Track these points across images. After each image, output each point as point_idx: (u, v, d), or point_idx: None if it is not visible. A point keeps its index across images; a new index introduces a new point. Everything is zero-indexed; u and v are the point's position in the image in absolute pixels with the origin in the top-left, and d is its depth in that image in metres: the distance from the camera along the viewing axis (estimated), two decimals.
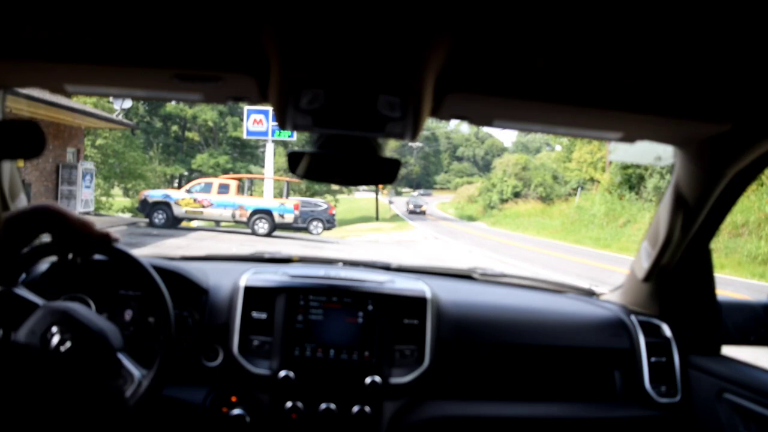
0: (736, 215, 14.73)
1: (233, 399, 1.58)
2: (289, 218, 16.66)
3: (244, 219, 16.64)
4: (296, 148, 1.24)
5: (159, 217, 16.47)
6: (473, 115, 1.22)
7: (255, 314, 1.64)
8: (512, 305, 1.85)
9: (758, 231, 14.55)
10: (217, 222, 17.51)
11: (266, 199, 18.09)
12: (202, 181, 18.22)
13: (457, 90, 1.04)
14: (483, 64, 0.99)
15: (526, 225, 27.76)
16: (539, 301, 1.94)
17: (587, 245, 19.41)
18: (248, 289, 1.65)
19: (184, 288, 1.64)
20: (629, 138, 1.32)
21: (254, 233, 16.29)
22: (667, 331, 1.77)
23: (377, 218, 32.89)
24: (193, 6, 0.84)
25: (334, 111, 1.05)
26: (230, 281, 1.69)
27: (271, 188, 20.26)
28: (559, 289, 2.09)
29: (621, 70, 0.99)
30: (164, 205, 16.60)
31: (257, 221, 16.56)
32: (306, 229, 18.56)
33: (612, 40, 0.87)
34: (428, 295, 1.70)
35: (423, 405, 1.64)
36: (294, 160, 1.19)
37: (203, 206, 16.65)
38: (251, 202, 17.03)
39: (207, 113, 34.71)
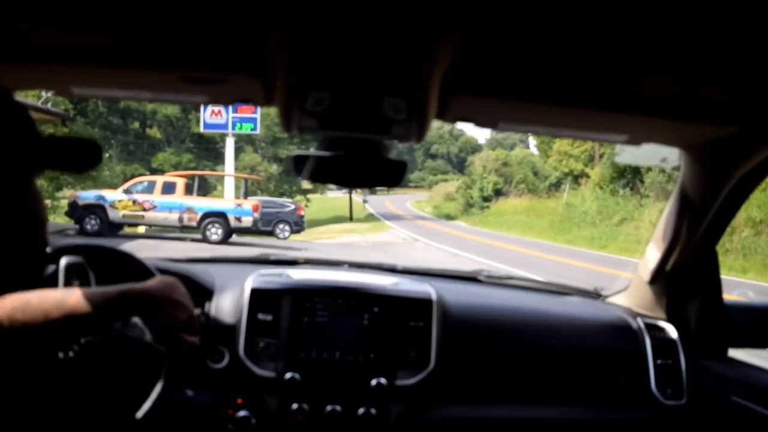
0: (752, 210, 13.43)
1: (239, 401, 1.60)
2: (247, 221, 14.71)
3: (194, 223, 14.60)
4: (299, 150, 1.23)
5: (91, 223, 14.18)
6: (479, 118, 1.26)
7: (261, 316, 1.65)
8: (518, 307, 1.87)
9: None
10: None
11: (219, 200, 16.18)
12: (144, 179, 16.12)
13: (463, 92, 1.07)
14: (489, 66, 1.02)
15: (510, 224, 26.42)
16: (545, 303, 1.98)
17: (581, 246, 18.15)
18: (254, 291, 1.66)
19: (190, 290, 1.50)
20: (635, 141, 1.35)
21: (205, 240, 14.33)
22: (673, 333, 1.79)
23: (351, 218, 32.21)
24: (200, 10, 0.85)
25: (339, 113, 1.07)
26: (236, 283, 1.70)
27: (232, 187, 18.62)
28: (564, 291, 2.12)
29: (627, 73, 1.03)
30: (97, 209, 14.26)
31: (209, 226, 14.54)
32: (271, 233, 17.02)
33: (618, 43, 0.89)
34: (434, 297, 1.71)
35: (429, 407, 1.67)
36: (299, 163, 1.19)
37: (144, 209, 14.47)
38: (202, 204, 14.95)
39: (168, 108, 33.56)
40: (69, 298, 0.98)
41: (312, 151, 1.19)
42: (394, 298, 1.69)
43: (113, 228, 14.50)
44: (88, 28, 0.92)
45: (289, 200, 21.60)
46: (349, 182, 1.32)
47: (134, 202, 14.45)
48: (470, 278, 2.11)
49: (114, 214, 14.32)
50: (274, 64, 0.94)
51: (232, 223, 14.64)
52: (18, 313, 0.92)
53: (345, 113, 1.06)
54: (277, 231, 17.27)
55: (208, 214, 14.65)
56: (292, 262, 2.04)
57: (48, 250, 1.20)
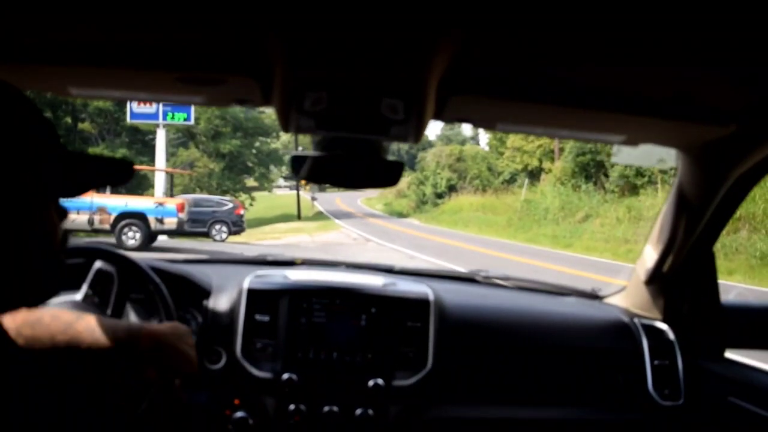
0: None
1: (236, 402, 1.60)
2: (170, 223, 12.95)
3: (107, 226, 12.71)
4: (300, 150, 1.26)
5: None
6: (476, 118, 1.26)
7: (258, 317, 1.65)
8: (515, 308, 1.88)
9: None
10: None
11: (138, 199, 14.23)
12: None
13: (461, 93, 1.07)
14: (487, 67, 1.02)
15: (466, 221, 25.39)
16: (542, 303, 1.99)
17: (544, 245, 17.14)
18: (251, 292, 1.67)
19: (188, 290, 1.66)
20: (632, 141, 1.36)
21: (121, 246, 12.40)
22: (670, 334, 1.79)
23: (299, 217, 30.77)
24: (199, 10, 0.85)
25: (337, 113, 1.07)
26: (233, 284, 1.71)
27: (162, 183, 16.76)
28: (562, 291, 2.12)
29: (625, 73, 1.03)
30: None
31: (125, 229, 12.70)
32: (207, 234, 15.47)
33: (616, 43, 0.89)
34: (431, 297, 1.72)
35: (426, 407, 1.67)
36: (297, 163, 1.22)
37: None
38: (116, 203, 13.05)
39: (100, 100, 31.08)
40: (78, 324, 0.99)
41: (311, 151, 1.21)
42: (391, 298, 1.69)
43: None
44: (87, 29, 0.92)
45: (228, 198, 20.02)
46: (347, 182, 1.33)
47: None
48: (467, 278, 2.13)
49: None
50: (272, 64, 0.95)
51: (153, 225, 12.88)
52: (27, 328, 0.94)
53: (343, 113, 1.06)
54: (213, 232, 15.82)
55: (123, 215, 12.83)
56: (289, 263, 2.04)
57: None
